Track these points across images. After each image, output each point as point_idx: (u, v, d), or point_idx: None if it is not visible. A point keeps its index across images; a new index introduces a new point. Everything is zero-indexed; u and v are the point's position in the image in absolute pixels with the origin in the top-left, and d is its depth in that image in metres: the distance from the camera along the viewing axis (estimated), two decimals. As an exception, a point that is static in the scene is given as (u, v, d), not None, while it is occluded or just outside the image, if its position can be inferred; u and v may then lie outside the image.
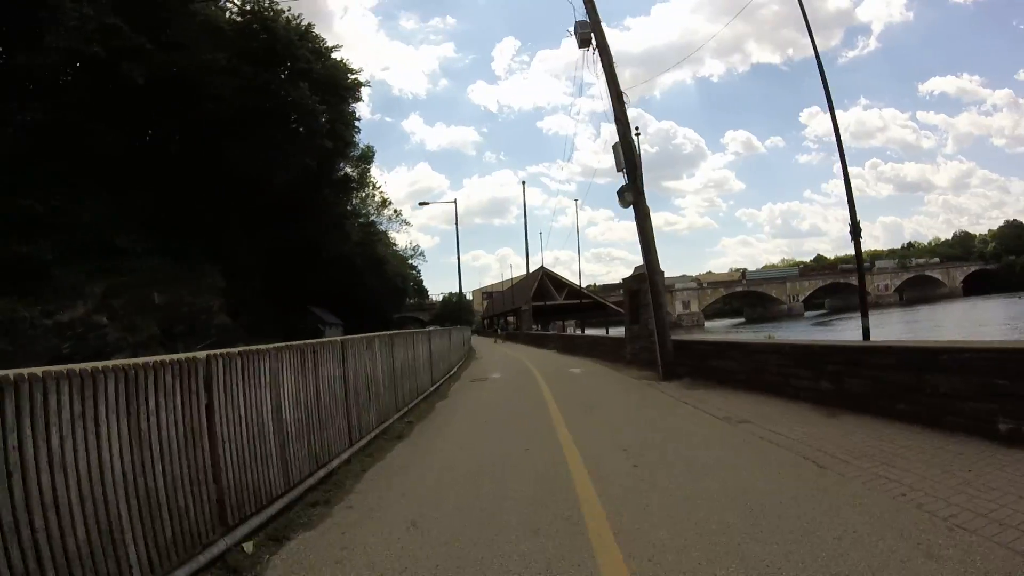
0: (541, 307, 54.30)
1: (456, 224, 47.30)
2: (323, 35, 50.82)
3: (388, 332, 13.50)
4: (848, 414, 8.92)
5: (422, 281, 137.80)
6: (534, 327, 55.85)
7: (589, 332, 45.58)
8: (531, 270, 58.50)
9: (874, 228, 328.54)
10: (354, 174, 63.57)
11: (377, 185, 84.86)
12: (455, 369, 25.24)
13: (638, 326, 19.72)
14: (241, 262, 47.37)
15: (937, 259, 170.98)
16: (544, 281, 55.09)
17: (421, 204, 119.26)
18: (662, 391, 14.17)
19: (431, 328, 25.88)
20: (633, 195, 15.70)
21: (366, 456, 9.01)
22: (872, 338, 16.70)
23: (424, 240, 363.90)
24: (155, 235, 38.79)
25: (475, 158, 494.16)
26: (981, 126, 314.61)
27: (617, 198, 16.44)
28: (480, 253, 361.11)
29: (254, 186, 46.55)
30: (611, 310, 50.60)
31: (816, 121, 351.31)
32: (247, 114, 41.36)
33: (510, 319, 77.83)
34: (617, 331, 51.75)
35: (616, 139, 16.26)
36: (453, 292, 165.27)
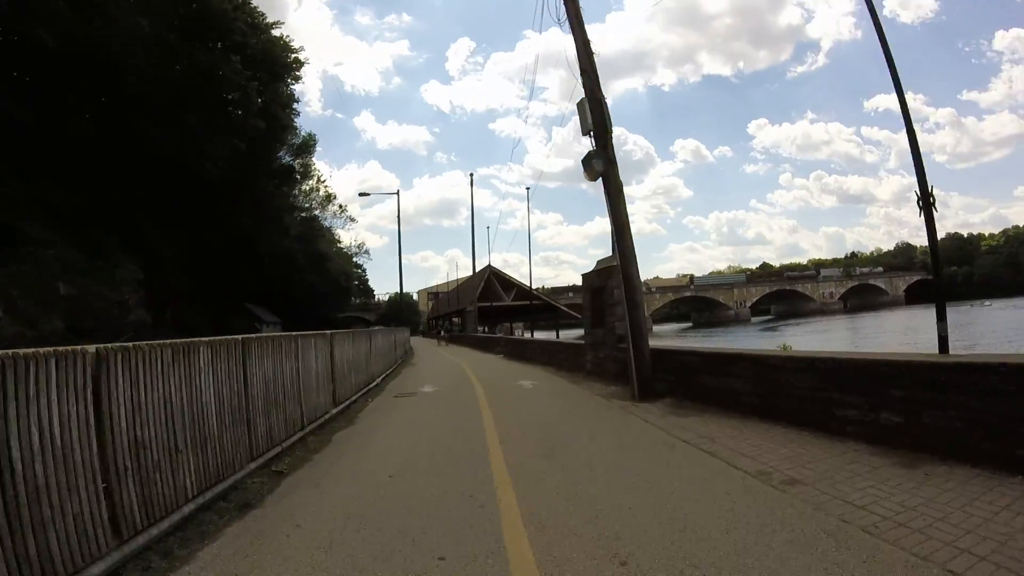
0: (488, 308, 50.95)
1: (398, 218, 43.05)
2: (276, 26, 46.35)
3: (258, 336, 9.15)
4: (937, 463, 6.06)
5: (368, 280, 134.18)
6: (480, 329, 52.64)
7: (539, 336, 42.65)
8: (479, 270, 53.82)
9: (817, 238, 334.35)
10: (295, 164, 59.28)
11: (322, 179, 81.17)
12: (380, 379, 21.89)
13: (602, 330, 16.62)
14: (167, 255, 43.31)
15: (880, 268, 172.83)
16: (491, 281, 52.01)
17: (362, 195, 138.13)
18: (644, 419, 10.58)
19: (353, 330, 21.97)
20: (603, 164, 12.30)
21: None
22: (833, 347, 13.71)
23: (372, 239, 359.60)
24: (67, 224, 34.82)
25: (426, 158, 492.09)
26: (924, 143, 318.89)
27: (583, 169, 13.03)
28: (429, 254, 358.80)
29: (181, 173, 42.38)
30: (562, 312, 48.84)
31: (764, 132, 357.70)
32: (172, 90, 37.46)
33: (455, 320, 71.75)
34: (569, 334, 49.49)
35: (582, 94, 13.05)
36: (404, 292, 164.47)
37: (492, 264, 53.31)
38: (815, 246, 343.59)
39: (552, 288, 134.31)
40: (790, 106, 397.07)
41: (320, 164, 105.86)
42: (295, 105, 52.33)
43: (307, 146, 62.33)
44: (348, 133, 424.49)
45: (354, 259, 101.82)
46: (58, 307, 33.24)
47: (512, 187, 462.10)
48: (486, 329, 48.93)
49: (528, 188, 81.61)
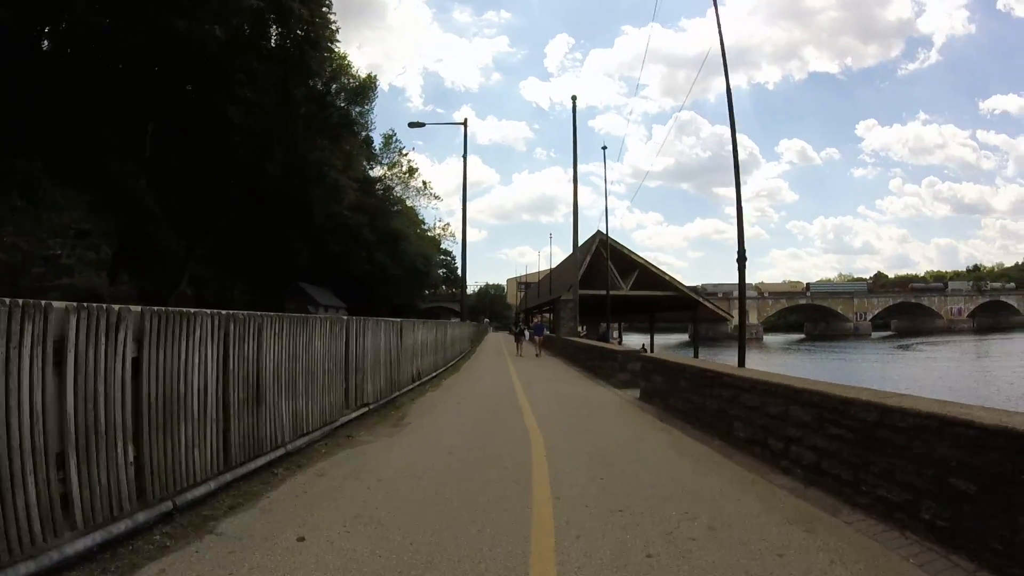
0: (592, 298, 29.92)
1: (464, 150, 28.27)
2: (376, 25, 33.52)
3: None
4: None
5: (457, 269, 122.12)
6: (580, 330, 30.80)
7: (642, 339, 28.74)
8: (585, 240, 34.62)
9: (928, 249, 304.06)
10: (353, 111, 45.62)
11: (403, 151, 68.86)
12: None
13: None
14: (152, 207, 31.18)
15: (1012, 284, 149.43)
16: (600, 256, 29.93)
17: (413, 125, 70.04)
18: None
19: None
20: None
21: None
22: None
23: (470, 233, 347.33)
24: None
25: (525, 154, 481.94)
26: None
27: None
28: (526, 249, 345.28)
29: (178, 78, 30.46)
30: (705, 311, 32.40)
31: (872, 134, 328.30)
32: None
33: (546, 315, 55.68)
34: (669, 340, 36.43)
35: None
36: (490, 283, 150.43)
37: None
38: (926, 258, 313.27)
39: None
40: (901, 106, 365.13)
41: (420, 158, 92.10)
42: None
43: (365, 90, 47.71)
44: (448, 130, 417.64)
45: (441, 245, 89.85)
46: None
47: (612, 184, 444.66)
48: (584, 329, 33.15)
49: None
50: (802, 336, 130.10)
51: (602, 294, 26.97)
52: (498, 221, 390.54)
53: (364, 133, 50.37)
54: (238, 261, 44.39)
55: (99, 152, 28.18)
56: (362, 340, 9.67)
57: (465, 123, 26.31)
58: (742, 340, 11.28)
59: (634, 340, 52.74)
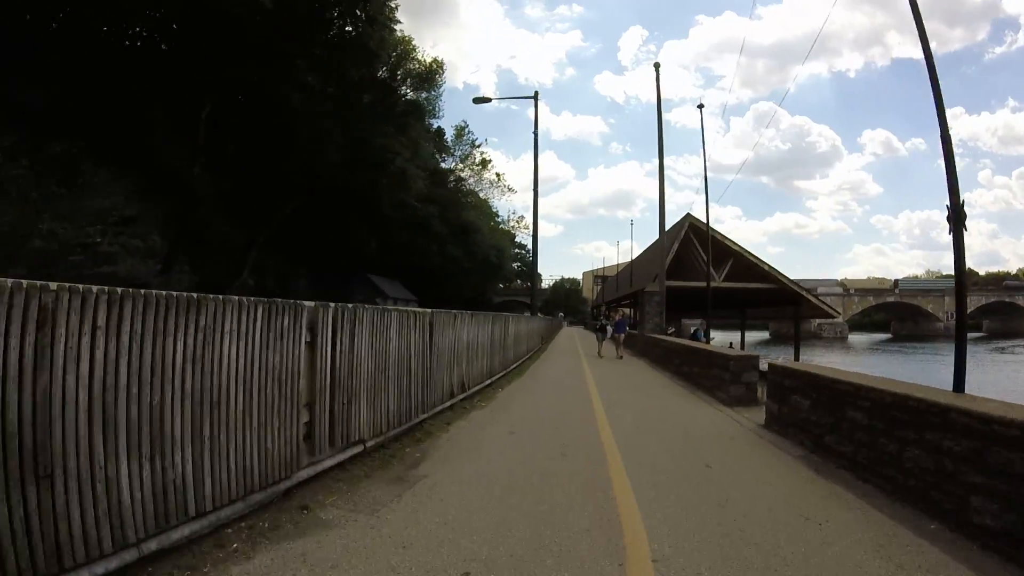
0: (680, 291, 24.78)
1: (536, 125, 23.87)
2: (449, 22, 31.10)
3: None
4: None
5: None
6: (669, 330, 25.36)
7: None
8: (673, 224, 29.63)
9: (1019, 246, 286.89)
10: (419, 98, 43.07)
11: (476, 143, 66.48)
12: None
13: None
14: (203, 192, 29.44)
15: None
16: (689, 244, 26.37)
17: (479, 100, 33.96)
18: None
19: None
20: None
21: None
22: None
23: (546, 228, 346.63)
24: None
25: (601, 148, 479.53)
26: None
27: None
28: (603, 244, 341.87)
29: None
30: (809, 307, 26.93)
31: (959, 123, 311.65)
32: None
33: (624, 310, 51.94)
34: (752, 337, 32.76)
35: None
36: (565, 277, 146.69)
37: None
38: (1016, 255, 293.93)
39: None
40: (989, 93, 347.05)
41: (496, 154, 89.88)
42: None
43: (431, 76, 44.72)
44: (523, 124, 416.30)
45: (515, 238, 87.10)
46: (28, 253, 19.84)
47: (689, 179, 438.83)
48: (674, 329, 29.81)
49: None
50: (888, 336, 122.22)
51: (692, 286, 23.04)
52: (573, 216, 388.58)
53: (432, 121, 47.66)
54: (303, 251, 42.65)
55: (147, 135, 26.30)
56: (346, 342, 6.11)
57: (536, 96, 23.32)
58: (961, 345, 7.50)
59: (716, 338, 49.50)
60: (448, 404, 9.60)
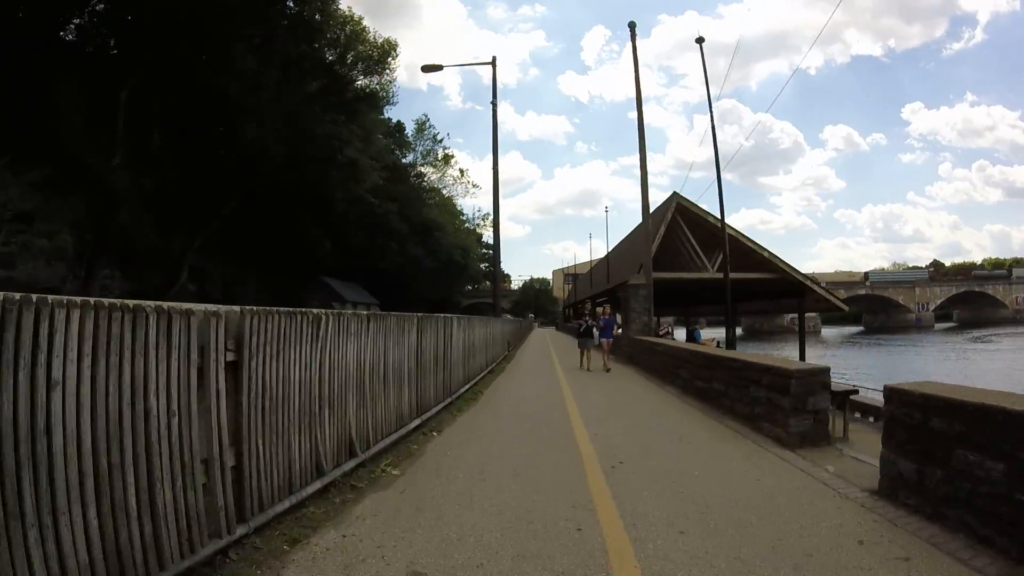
0: (668, 283, 21.22)
1: (494, 94, 19.61)
2: (412, 25, 27.48)
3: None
4: None
5: (500, 262, 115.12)
6: (660, 331, 23.32)
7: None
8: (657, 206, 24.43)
9: (980, 236, 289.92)
10: (372, 84, 38.76)
11: (438, 137, 62.82)
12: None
13: None
14: (120, 188, 25.85)
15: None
16: (677, 226, 22.17)
17: (428, 68, 22.86)
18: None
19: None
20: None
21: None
22: None
23: (513, 229, 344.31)
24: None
25: (566, 148, 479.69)
26: None
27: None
28: (571, 244, 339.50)
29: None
30: (813, 298, 23.04)
31: (919, 118, 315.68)
32: None
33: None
34: (711, 332, 29.19)
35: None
36: (535, 277, 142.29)
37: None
38: (978, 245, 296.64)
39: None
40: (947, 88, 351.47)
41: (461, 155, 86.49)
42: None
43: (383, 58, 38.18)
44: (488, 125, 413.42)
45: (482, 238, 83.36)
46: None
47: (655, 177, 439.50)
48: (669, 327, 25.70)
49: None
50: (860, 329, 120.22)
51: (685, 278, 19.53)
52: (540, 216, 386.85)
53: (386, 108, 43.81)
54: (250, 254, 38.77)
55: (52, 120, 22.49)
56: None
57: (494, 61, 19.67)
58: None
59: (682, 335, 46.35)
60: (303, 496, 4.86)
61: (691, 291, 23.10)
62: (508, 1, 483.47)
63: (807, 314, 22.69)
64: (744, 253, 20.58)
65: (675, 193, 20.32)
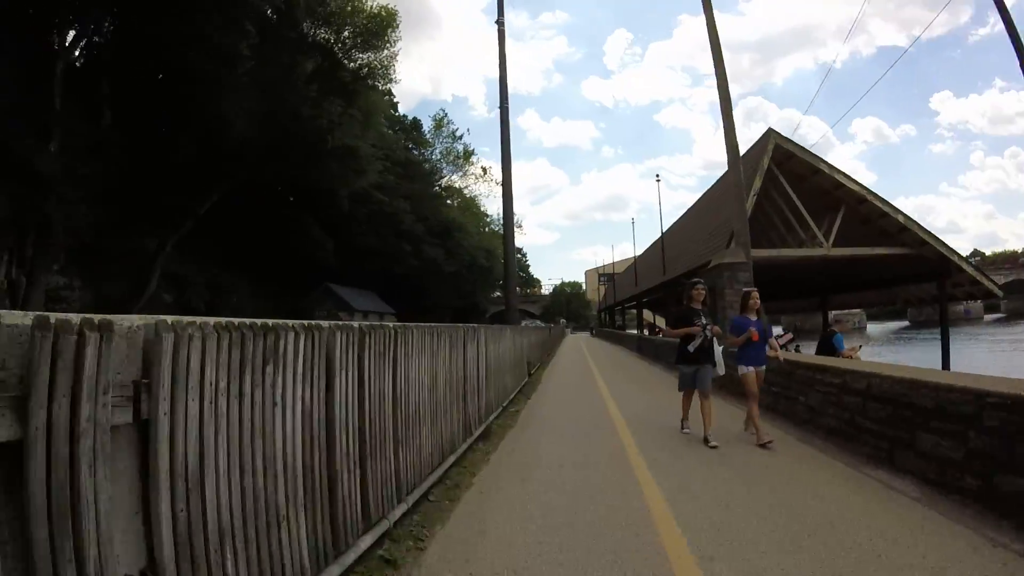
0: (761, 266, 12.20)
1: (501, 50, 14.34)
2: (434, 35, 21.82)
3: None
4: None
5: (528, 266, 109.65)
6: (783, 338, 14.98)
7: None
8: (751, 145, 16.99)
9: (1016, 225, 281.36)
10: (369, 59, 32.46)
11: (458, 134, 57.06)
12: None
13: None
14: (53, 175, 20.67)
15: None
16: (774, 180, 13.99)
17: None
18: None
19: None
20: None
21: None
22: None
23: (544, 236, 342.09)
24: None
25: (592, 153, 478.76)
26: None
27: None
28: (600, 248, 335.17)
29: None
30: (964, 280, 15.08)
31: (948, 107, 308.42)
32: None
33: (649, 320, 43.19)
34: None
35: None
36: (565, 281, 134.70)
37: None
38: (1015, 235, 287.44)
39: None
40: (975, 75, 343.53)
41: (488, 163, 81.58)
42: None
43: (382, 29, 31.18)
44: (514, 133, 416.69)
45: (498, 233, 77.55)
46: None
47: (682, 178, 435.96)
48: (792, 333, 17.92)
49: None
50: (905, 323, 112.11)
51: (783, 258, 13.00)
52: (569, 222, 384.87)
53: (388, 87, 37.66)
54: (241, 257, 33.53)
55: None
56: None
57: (501, 21, 14.01)
58: None
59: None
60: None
61: (786, 279, 16.77)
62: (530, 9, 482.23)
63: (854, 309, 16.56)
64: (864, 220, 14.46)
65: (770, 130, 13.82)
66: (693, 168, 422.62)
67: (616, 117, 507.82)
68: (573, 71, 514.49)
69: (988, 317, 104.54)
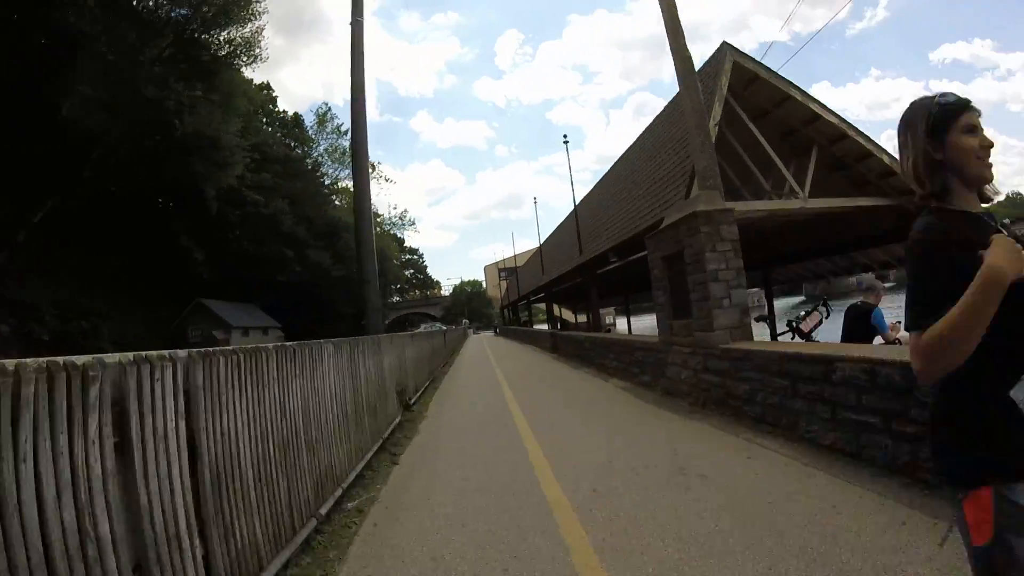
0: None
1: (356, 50, 11.15)
2: (325, 39, 17.58)
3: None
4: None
5: (426, 268, 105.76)
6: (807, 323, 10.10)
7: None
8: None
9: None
10: (220, 37, 28.37)
11: (343, 129, 52.79)
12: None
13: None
14: None
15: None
16: (732, 114, 10.80)
17: None
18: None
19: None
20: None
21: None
22: None
23: (443, 237, 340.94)
24: None
25: (487, 152, 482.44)
26: (997, 92, 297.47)
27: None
28: (500, 246, 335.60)
29: None
30: None
31: (827, 96, 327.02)
32: None
33: (575, 315, 42.36)
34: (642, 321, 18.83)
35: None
36: (466, 280, 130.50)
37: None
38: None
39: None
40: (853, 65, 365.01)
41: (385, 167, 77.49)
42: None
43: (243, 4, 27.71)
44: (407, 135, 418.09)
45: (405, 243, 73.70)
46: None
47: (577, 172, 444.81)
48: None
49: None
50: (801, 298, 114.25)
51: (782, 209, 10.26)
52: (468, 222, 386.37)
53: (253, 65, 33.05)
54: (96, 273, 28.47)
55: None
56: None
57: None
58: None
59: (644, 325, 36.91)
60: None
61: (753, 241, 12.72)
62: (421, 10, 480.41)
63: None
64: (837, 165, 11.56)
65: (725, 43, 10.33)
66: (587, 163, 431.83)
67: (509, 116, 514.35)
68: (466, 72, 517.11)
69: (886, 286, 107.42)
